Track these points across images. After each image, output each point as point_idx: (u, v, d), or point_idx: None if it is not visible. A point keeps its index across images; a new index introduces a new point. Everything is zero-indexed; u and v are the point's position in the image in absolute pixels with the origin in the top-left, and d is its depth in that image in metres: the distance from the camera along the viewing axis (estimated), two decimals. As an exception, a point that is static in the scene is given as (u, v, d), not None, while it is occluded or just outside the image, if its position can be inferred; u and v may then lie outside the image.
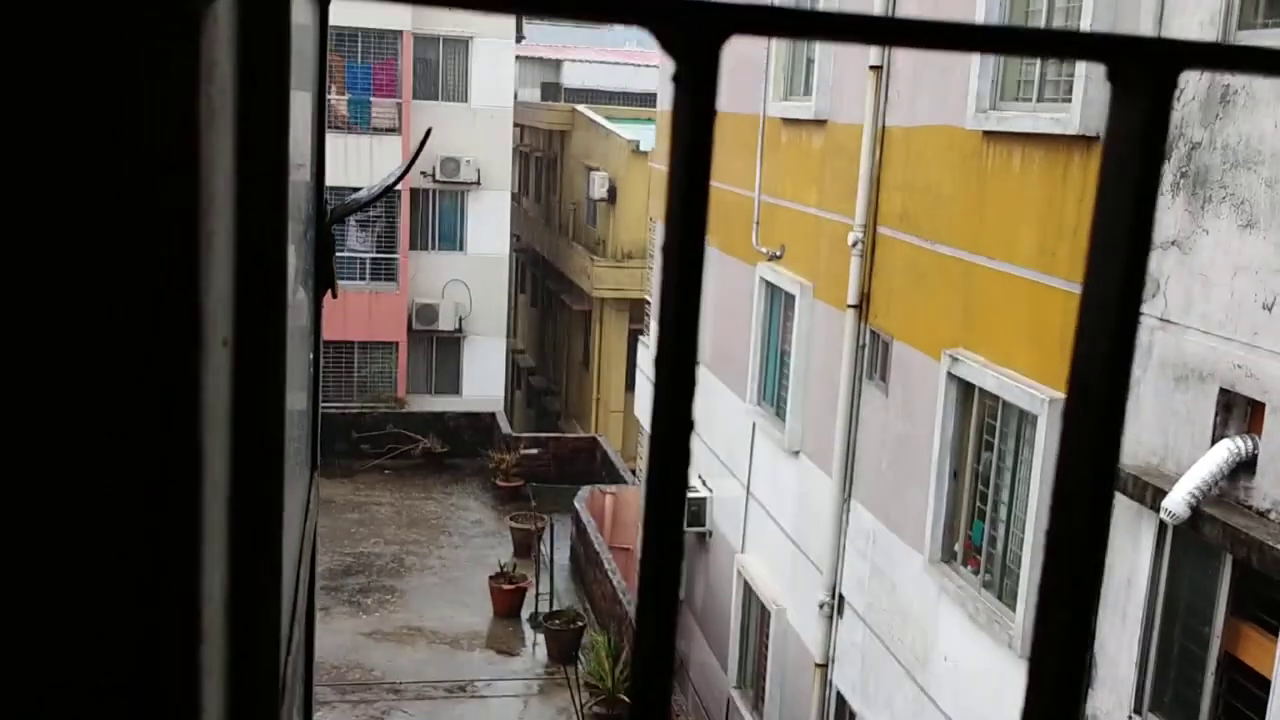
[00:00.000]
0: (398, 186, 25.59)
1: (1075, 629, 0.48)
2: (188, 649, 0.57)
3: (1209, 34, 6.45)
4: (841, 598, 11.12)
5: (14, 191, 0.49)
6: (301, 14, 1.45)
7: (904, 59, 10.09)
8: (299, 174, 1.56)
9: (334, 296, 1.89)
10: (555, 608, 17.50)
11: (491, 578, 18.22)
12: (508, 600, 18.01)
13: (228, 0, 0.65)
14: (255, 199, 0.77)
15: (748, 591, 13.48)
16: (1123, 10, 7.22)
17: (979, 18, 8.68)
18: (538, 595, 17.84)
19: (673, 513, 0.43)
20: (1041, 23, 8.26)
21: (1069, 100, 7.74)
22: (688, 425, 0.43)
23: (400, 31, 25.74)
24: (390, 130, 25.75)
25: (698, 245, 0.40)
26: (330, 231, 1.87)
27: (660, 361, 0.41)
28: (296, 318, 1.59)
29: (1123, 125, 0.45)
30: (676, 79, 0.39)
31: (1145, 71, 0.45)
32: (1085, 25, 7.46)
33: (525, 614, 18.04)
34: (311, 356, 1.85)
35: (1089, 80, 7.42)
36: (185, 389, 0.53)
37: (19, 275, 0.50)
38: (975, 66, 8.74)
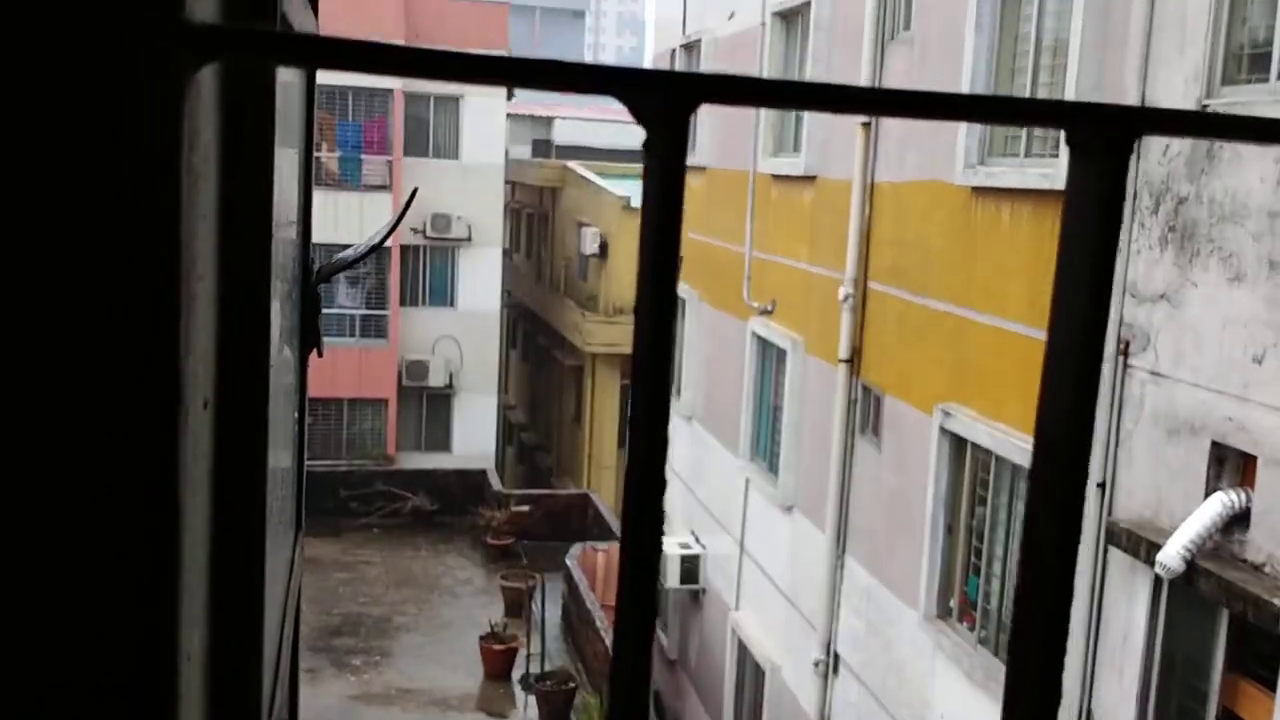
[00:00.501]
0: (387, 243, 25.68)
1: (1046, 678, 0.48)
2: (166, 710, 0.55)
3: (1193, 90, 6.52)
4: (837, 655, 11.01)
5: None
6: (287, 72, 1.46)
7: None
8: (285, 232, 1.55)
9: (319, 355, 1.88)
10: (547, 668, 17.30)
11: (482, 638, 18.02)
12: (498, 661, 17.80)
13: (212, 68, 0.65)
14: (239, 262, 0.77)
15: (742, 649, 13.34)
16: (1108, 66, 7.31)
17: (965, 73, 8.78)
18: (529, 655, 17.65)
19: (648, 571, 0.41)
20: (1028, 78, 8.36)
21: (1056, 155, 7.81)
22: (660, 485, 0.41)
23: (391, 90, 25.98)
24: (381, 187, 25.89)
25: (669, 302, 0.40)
26: (317, 290, 1.86)
27: (634, 424, 0.40)
28: (282, 376, 1.57)
29: (1081, 188, 0.46)
30: (646, 146, 0.39)
31: (1103, 137, 0.45)
32: (1071, 80, 7.55)
33: (516, 675, 17.82)
34: (297, 415, 1.83)
35: (1075, 136, 7.49)
36: (164, 451, 0.52)
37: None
38: (963, 122, 8.82)
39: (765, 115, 12.86)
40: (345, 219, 25.15)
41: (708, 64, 14.92)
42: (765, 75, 12.79)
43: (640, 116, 0.40)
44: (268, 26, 0.86)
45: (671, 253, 0.41)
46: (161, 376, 0.52)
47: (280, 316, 1.49)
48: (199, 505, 0.69)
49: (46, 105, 0.48)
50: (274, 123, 0.87)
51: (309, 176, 1.90)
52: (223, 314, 0.77)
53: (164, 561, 0.54)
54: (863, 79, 10.40)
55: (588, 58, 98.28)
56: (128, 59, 0.48)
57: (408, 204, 3.34)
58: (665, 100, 0.40)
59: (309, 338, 1.80)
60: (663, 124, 0.40)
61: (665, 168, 0.40)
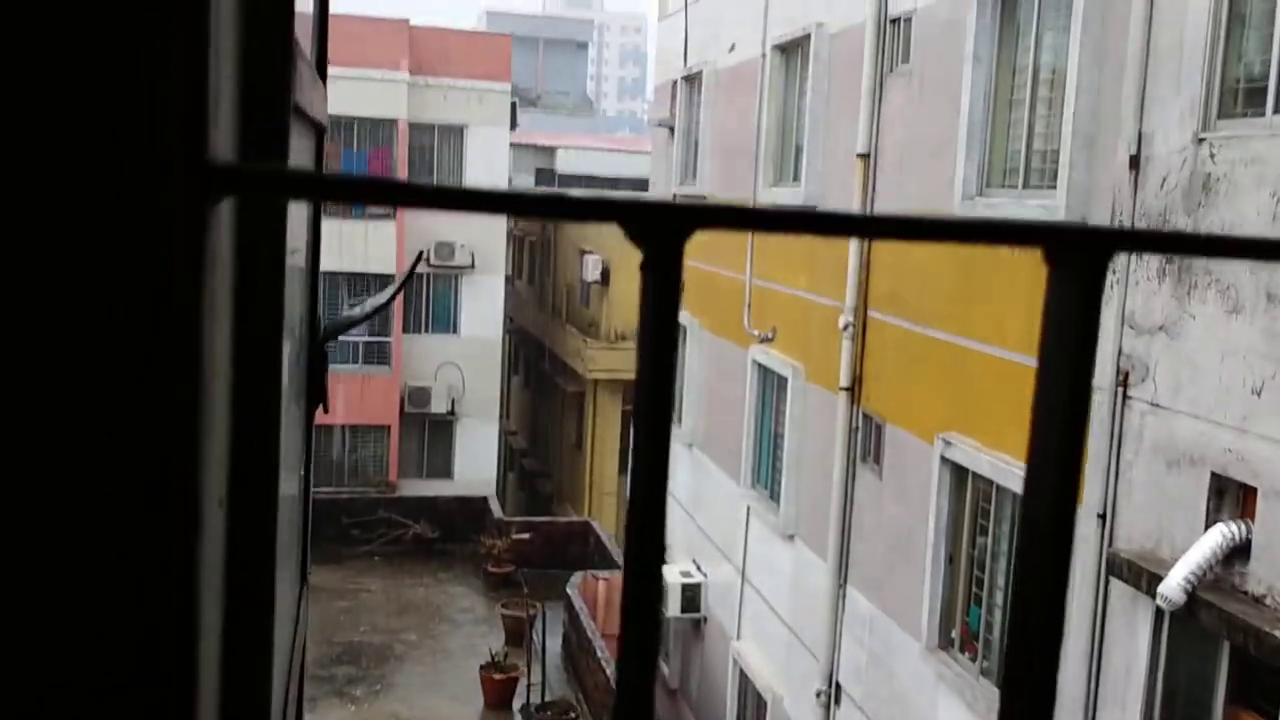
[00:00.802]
0: (391, 270, 25.76)
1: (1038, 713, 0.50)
2: None
3: (1189, 123, 6.57)
4: (839, 686, 10.97)
5: (20, 366, 0.52)
6: (303, 145, 1.48)
7: (891, 146, 10.25)
8: (295, 294, 1.57)
9: (325, 412, 1.90)
10: (548, 698, 17.23)
11: (482, 667, 17.95)
12: (499, 690, 17.73)
13: (229, 200, 0.69)
14: (251, 366, 0.80)
15: (743, 679, 13.30)
16: (1104, 98, 7.36)
17: (964, 105, 8.84)
18: (529, 685, 17.57)
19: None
20: (1025, 110, 8.41)
21: (1054, 187, 7.85)
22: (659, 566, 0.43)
23: (396, 120, 26.12)
24: (385, 216, 25.99)
25: (665, 418, 0.42)
26: (324, 348, 1.89)
27: (628, 536, 0.43)
28: (292, 438, 1.60)
29: (1059, 305, 0.49)
30: (643, 267, 0.42)
31: (1077, 256, 0.48)
32: (1068, 113, 7.60)
33: (517, 705, 17.74)
34: (303, 472, 1.85)
35: (1073, 168, 7.54)
36: (183, 556, 0.55)
37: (28, 448, 0.52)
38: (961, 153, 8.88)
39: (765, 145, 12.93)
40: (349, 248, 25.24)
41: (708, 94, 15.01)
42: (765, 107, 12.86)
43: (638, 241, 0.43)
44: (282, 124, 0.89)
45: (667, 369, 0.44)
46: (181, 484, 0.54)
47: (288, 377, 1.52)
48: (212, 600, 0.72)
49: (81, 244, 0.51)
50: (285, 233, 0.91)
51: (318, 231, 1.93)
52: (235, 415, 0.80)
53: (182, 664, 0.56)
54: (862, 112, 10.47)
55: (590, 89, 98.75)
56: (154, 199, 0.51)
57: (414, 265, 3.39)
58: (662, 228, 0.43)
59: (315, 395, 1.82)
60: (659, 248, 0.43)
61: (661, 289, 0.43)
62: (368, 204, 0.43)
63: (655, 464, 0.42)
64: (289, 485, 1.55)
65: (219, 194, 0.55)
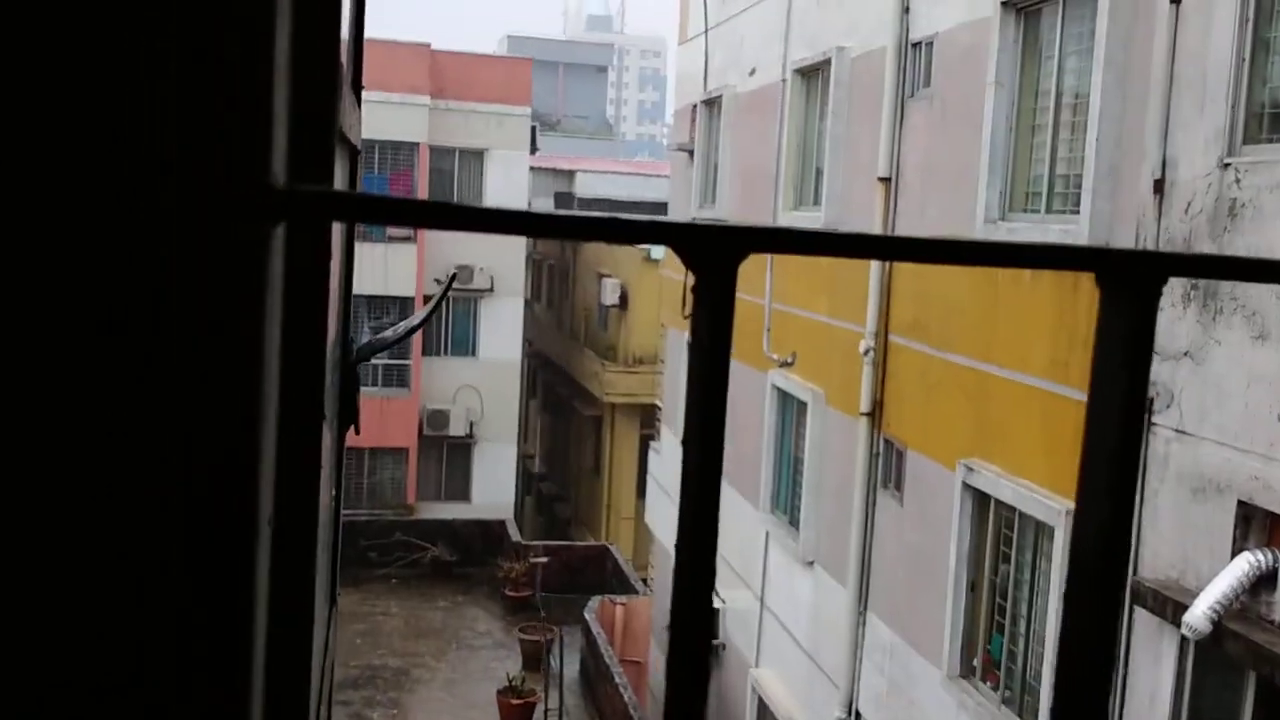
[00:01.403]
0: (410, 294, 25.85)
1: None
2: None
3: (1214, 149, 6.53)
4: (859, 714, 10.87)
5: (88, 387, 0.53)
6: (342, 167, 1.49)
7: (912, 170, 10.23)
8: (330, 319, 1.58)
9: (357, 433, 1.90)
10: (565, 721, 17.15)
11: (499, 692, 17.90)
12: (516, 716, 17.66)
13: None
14: (298, 385, 0.80)
15: (762, 707, 13.20)
16: (1128, 123, 7.33)
17: (985, 130, 8.82)
18: (547, 710, 17.50)
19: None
20: (1048, 135, 8.38)
21: (1077, 212, 7.82)
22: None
23: (417, 144, 26.28)
24: (405, 239, 26.11)
25: (717, 439, 0.41)
26: (356, 369, 1.88)
27: (677, 574, 0.41)
28: (325, 461, 1.60)
29: (1111, 329, 0.48)
30: (696, 291, 0.41)
31: (1131, 281, 0.47)
32: (1091, 138, 7.57)
33: (534, 728, 17.66)
34: (335, 493, 1.85)
35: (1097, 193, 7.50)
36: (241, 572, 0.56)
37: (91, 471, 0.54)
38: (983, 177, 8.85)
39: (785, 168, 12.94)
40: (370, 270, 25.35)
41: (728, 118, 15.04)
42: (785, 130, 12.87)
43: (690, 264, 0.43)
44: (328, 148, 0.91)
45: (720, 393, 0.43)
46: (241, 501, 0.56)
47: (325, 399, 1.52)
48: (258, 620, 0.72)
49: (150, 263, 0.53)
50: (329, 255, 0.92)
51: (351, 254, 1.92)
52: (282, 435, 0.81)
53: (238, 686, 0.57)
54: (883, 136, 10.46)
55: (610, 112, 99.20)
56: (223, 221, 0.53)
57: (446, 287, 3.41)
58: (715, 251, 0.43)
59: (348, 416, 1.82)
60: (712, 271, 0.43)
61: (713, 313, 0.42)
62: (419, 227, 0.42)
63: (707, 489, 0.41)
64: (322, 509, 1.54)
65: (279, 216, 0.56)
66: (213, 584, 0.55)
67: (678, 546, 0.44)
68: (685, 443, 0.43)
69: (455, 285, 26.86)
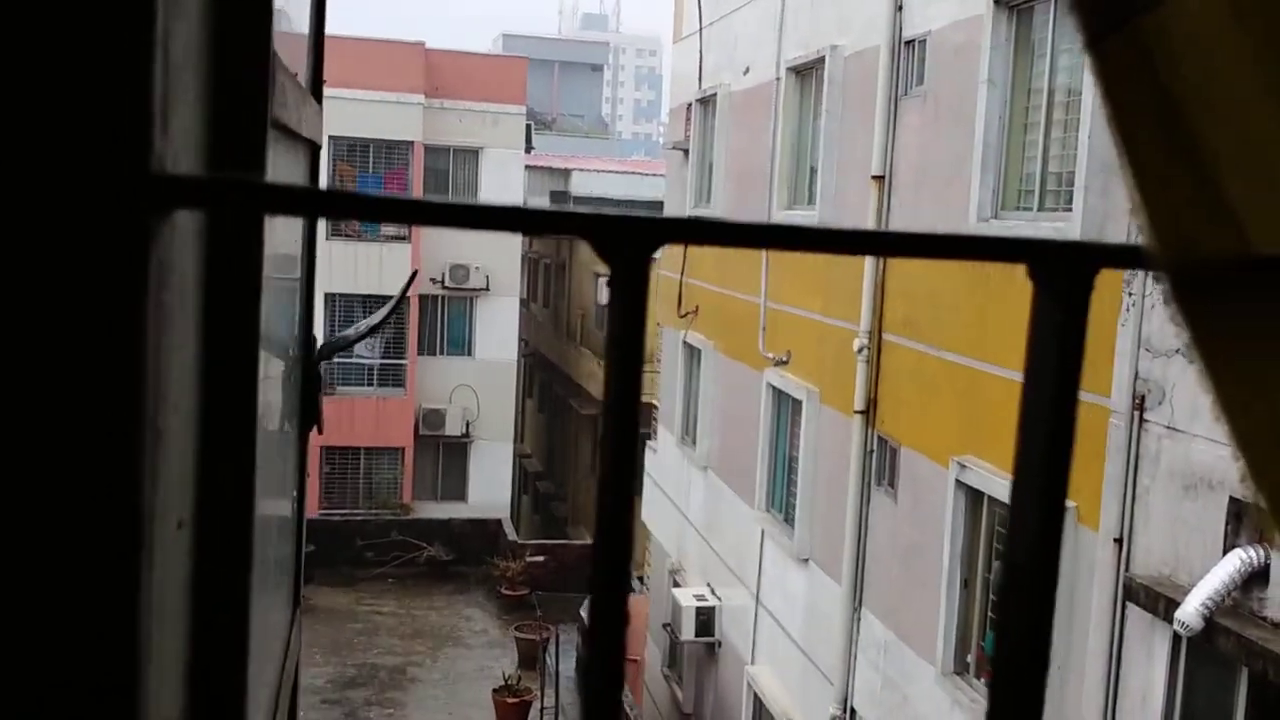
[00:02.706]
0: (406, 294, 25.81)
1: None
2: None
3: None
4: (853, 711, 10.89)
5: None
6: (287, 164, 1.48)
7: (906, 168, 10.25)
8: (288, 312, 1.57)
9: (319, 433, 1.89)
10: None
11: (495, 690, 17.91)
12: (512, 714, 17.67)
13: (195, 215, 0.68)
14: (223, 384, 0.79)
15: (758, 704, 13.21)
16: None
17: (978, 128, 8.83)
18: (543, 709, 17.51)
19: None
20: (1040, 133, 8.40)
21: (1070, 210, 7.83)
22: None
23: (411, 142, 26.26)
24: (400, 239, 26.10)
25: (631, 430, 0.41)
26: (318, 368, 1.88)
27: (594, 565, 0.42)
28: (282, 459, 1.58)
29: (1044, 321, 0.48)
30: (610, 283, 0.41)
31: (1062, 273, 0.48)
32: (1084, 134, 7.58)
33: (530, 727, 17.68)
34: (296, 494, 1.84)
35: (1089, 190, 7.52)
36: (123, 576, 0.54)
37: None
38: (977, 176, 8.87)
39: (780, 167, 12.95)
40: (365, 270, 25.34)
41: (723, 117, 15.05)
42: (780, 129, 12.89)
43: (604, 255, 0.42)
44: (258, 139, 0.89)
45: (634, 378, 0.43)
46: (121, 508, 0.53)
47: (280, 397, 1.51)
48: (171, 629, 0.71)
49: (14, 252, 0.50)
50: (261, 249, 0.90)
51: (312, 250, 1.93)
52: (204, 435, 0.79)
53: (125, 685, 0.55)
54: (876, 134, 10.48)
55: (605, 111, 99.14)
56: (93, 212, 0.50)
57: (407, 284, 3.41)
58: (628, 242, 0.42)
59: (309, 416, 1.82)
60: (626, 263, 0.42)
61: (626, 302, 0.42)
62: (320, 218, 0.42)
63: (620, 477, 0.41)
64: (278, 507, 1.53)
65: (165, 205, 0.54)
66: (88, 588, 0.54)
67: (594, 550, 0.45)
68: (602, 431, 0.43)
69: (451, 284, 26.85)
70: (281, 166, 1.31)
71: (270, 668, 1.40)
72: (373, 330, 3.09)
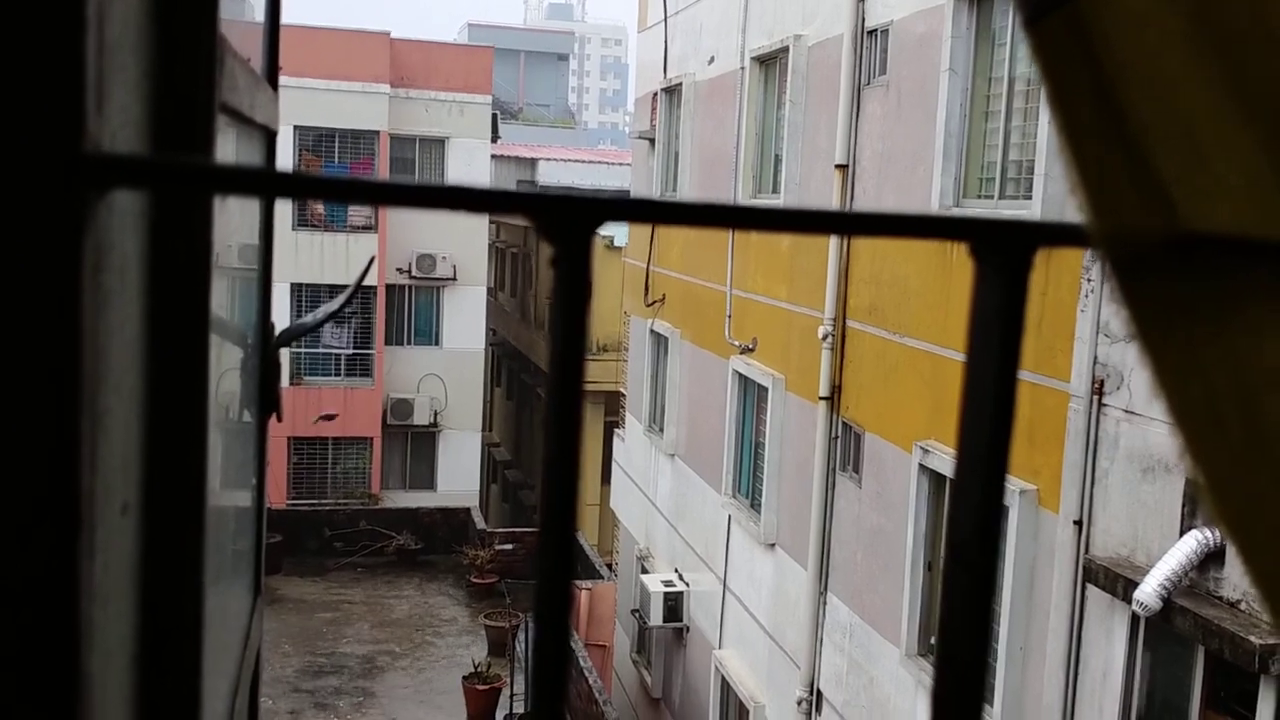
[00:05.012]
0: (374, 283, 25.72)
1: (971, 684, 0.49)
2: None
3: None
4: (819, 693, 11.00)
5: None
6: (244, 151, 1.49)
7: (869, 157, 10.32)
8: (245, 297, 1.58)
9: (278, 420, 1.91)
10: (531, 708, 17.17)
11: (465, 678, 17.92)
12: (482, 701, 17.69)
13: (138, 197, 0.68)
14: (170, 366, 0.79)
15: (725, 688, 13.31)
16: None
17: (940, 116, 8.91)
18: (512, 695, 17.54)
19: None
20: (1001, 121, 8.48)
21: (1030, 197, 7.93)
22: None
23: (377, 132, 26.11)
24: (366, 228, 25.96)
25: (575, 406, 0.44)
26: (276, 355, 1.89)
27: (542, 532, 0.44)
28: (240, 446, 1.60)
29: (985, 299, 0.49)
30: (554, 262, 0.43)
31: (1003, 250, 0.48)
32: (1043, 122, 7.66)
33: (500, 715, 17.70)
34: (255, 481, 1.85)
35: (1049, 177, 7.61)
36: (63, 572, 0.53)
37: None
38: (939, 164, 8.95)
39: (745, 156, 12.99)
40: (331, 260, 25.20)
41: (688, 106, 15.07)
42: (744, 118, 12.93)
43: (547, 235, 0.43)
44: (204, 121, 0.88)
45: (577, 352, 0.45)
46: (59, 491, 0.53)
47: (239, 382, 1.53)
48: (117, 612, 0.71)
49: None
50: (210, 232, 0.89)
51: (270, 234, 1.94)
52: (150, 419, 0.79)
53: (64, 680, 0.54)
54: (840, 123, 10.54)
55: (571, 100, 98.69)
56: (23, 191, 0.50)
57: (364, 271, 3.42)
58: (569, 221, 0.43)
59: (268, 403, 1.83)
60: (568, 242, 0.43)
61: (571, 281, 0.43)
62: (252, 195, 0.44)
63: (565, 456, 0.44)
64: (237, 495, 1.54)
65: (100, 184, 0.54)
66: (25, 571, 0.53)
67: (539, 534, 0.47)
68: (546, 414, 0.45)
69: (418, 274, 26.74)
70: (234, 153, 1.32)
71: (229, 657, 1.41)
72: (331, 316, 3.09)
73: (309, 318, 2.99)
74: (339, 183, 0.41)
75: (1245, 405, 0.47)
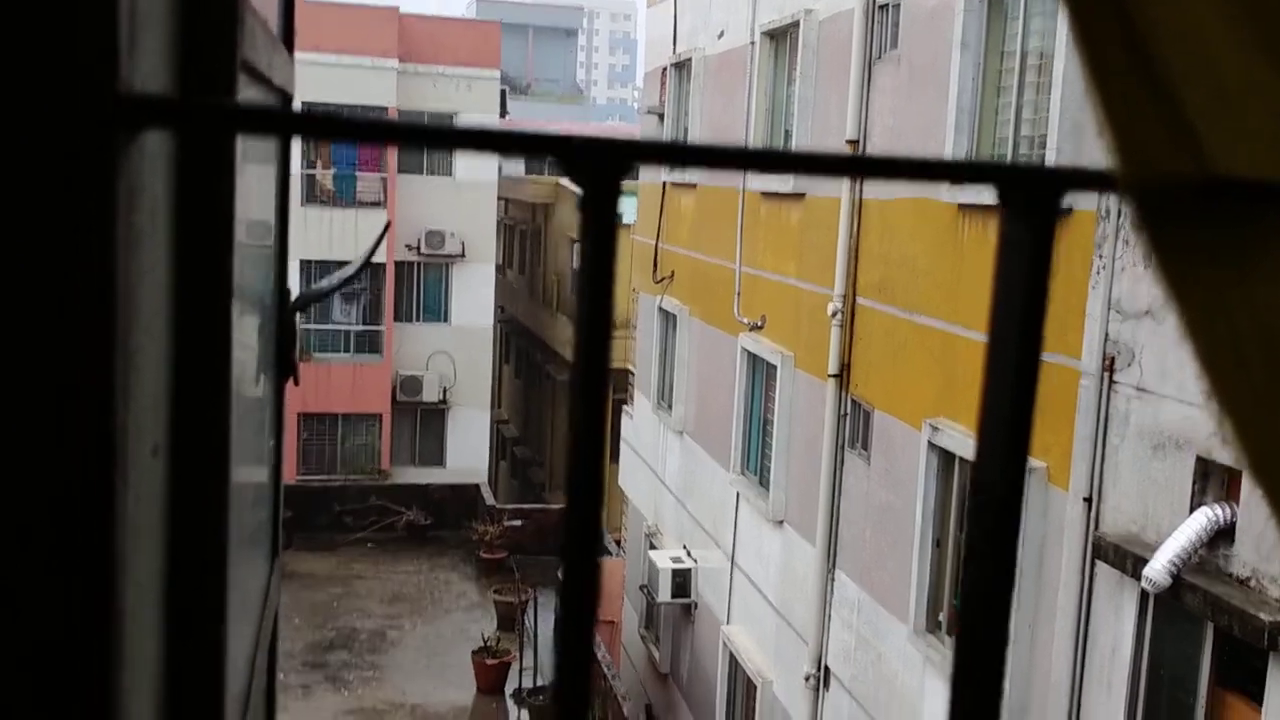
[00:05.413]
0: (382, 260, 25.71)
1: (992, 663, 0.49)
2: None
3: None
4: (827, 669, 11.03)
5: None
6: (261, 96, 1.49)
7: (880, 132, 10.26)
8: (258, 264, 1.58)
9: (295, 384, 1.92)
10: (540, 682, 17.29)
11: (475, 652, 18.01)
12: (491, 675, 17.79)
13: (160, 133, 0.68)
14: (195, 312, 0.80)
15: (733, 664, 13.35)
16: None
17: (951, 90, 8.85)
18: (522, 669, 17.63)
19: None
20: (1013, 96, 8.43)
21: (1041, 173, 7.87)
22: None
23: (386, 108, 26.05)
24: (375, 204, 25.94)
25: (604, 350, 0.43)
26: (293, 319, 1.90)
27: (570, 468, 0.44)
28: (259, 408, 1.60)
29: (1012, 244, 0.48)
30: (582, 205, 0.42)
31: (1031, 195, 0.48)
32: (1055, 97, 7.61)
33: (509, 689, 17.80)
34: (273, 442, 1.86)
35: (1060, 152, 7.56)
36: (99, 500, 0.55)
37: None
38: (950, 138, 8.89)
39: (755, 132, 12.93)
40: (340, 236, 25.20)
41: (697, 81, 15.00)
42: (754, 93, 12.86)
43: (575, 177, 0.43)
44: (226, 74, 0.89)
45: (605, 302, 0.44)
46: (95, 422, 0.54)
47: (255, 347, 1.52)
48: (146, 548, 0.73)
49: None
50: (233, 170, 0.90)
51: (286, 203, 1.94)
52: (178, 361, 0.80)
53: (100, 612, 0.55)
54: (850, 98, 10.48)
55: (580, 76, 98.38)
56: (61, 130, 0.50)
57: (381, 236, 3.41)
58: (599, 163, 0.43)
59: (285, 366, 1.84)
60: (597, 185, 0.43)
61: (599, 225, 0.43)
62: (285, 136, 0.43)
63: (592, 410, 0.43)
64: (257, 456, 1.55)
65: (134, 124, 0.54)
66: (64, 506, 0.54)
67: (566, 499, 0.46)
68: (573, 364, 0.45)
69: (427, 250, 26.72)
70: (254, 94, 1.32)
71: (250, 610, 1.42)
72: (347, 281, 3.11)
73: (325, 282, 2.99)
74: (372, 124, 0.41)
75: (1268, 347, 0.48)
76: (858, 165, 0.50)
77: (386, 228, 3.75)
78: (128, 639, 0.61)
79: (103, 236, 0.52)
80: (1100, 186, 0.51)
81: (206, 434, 0.84)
